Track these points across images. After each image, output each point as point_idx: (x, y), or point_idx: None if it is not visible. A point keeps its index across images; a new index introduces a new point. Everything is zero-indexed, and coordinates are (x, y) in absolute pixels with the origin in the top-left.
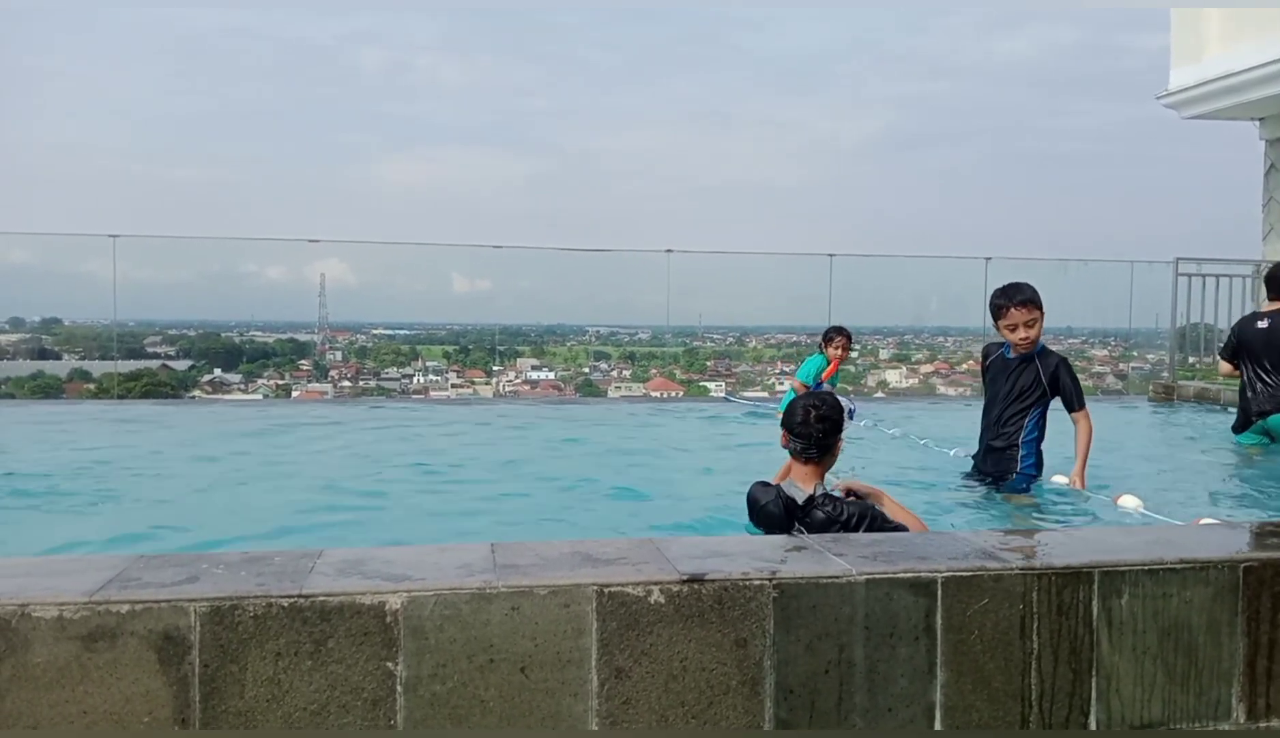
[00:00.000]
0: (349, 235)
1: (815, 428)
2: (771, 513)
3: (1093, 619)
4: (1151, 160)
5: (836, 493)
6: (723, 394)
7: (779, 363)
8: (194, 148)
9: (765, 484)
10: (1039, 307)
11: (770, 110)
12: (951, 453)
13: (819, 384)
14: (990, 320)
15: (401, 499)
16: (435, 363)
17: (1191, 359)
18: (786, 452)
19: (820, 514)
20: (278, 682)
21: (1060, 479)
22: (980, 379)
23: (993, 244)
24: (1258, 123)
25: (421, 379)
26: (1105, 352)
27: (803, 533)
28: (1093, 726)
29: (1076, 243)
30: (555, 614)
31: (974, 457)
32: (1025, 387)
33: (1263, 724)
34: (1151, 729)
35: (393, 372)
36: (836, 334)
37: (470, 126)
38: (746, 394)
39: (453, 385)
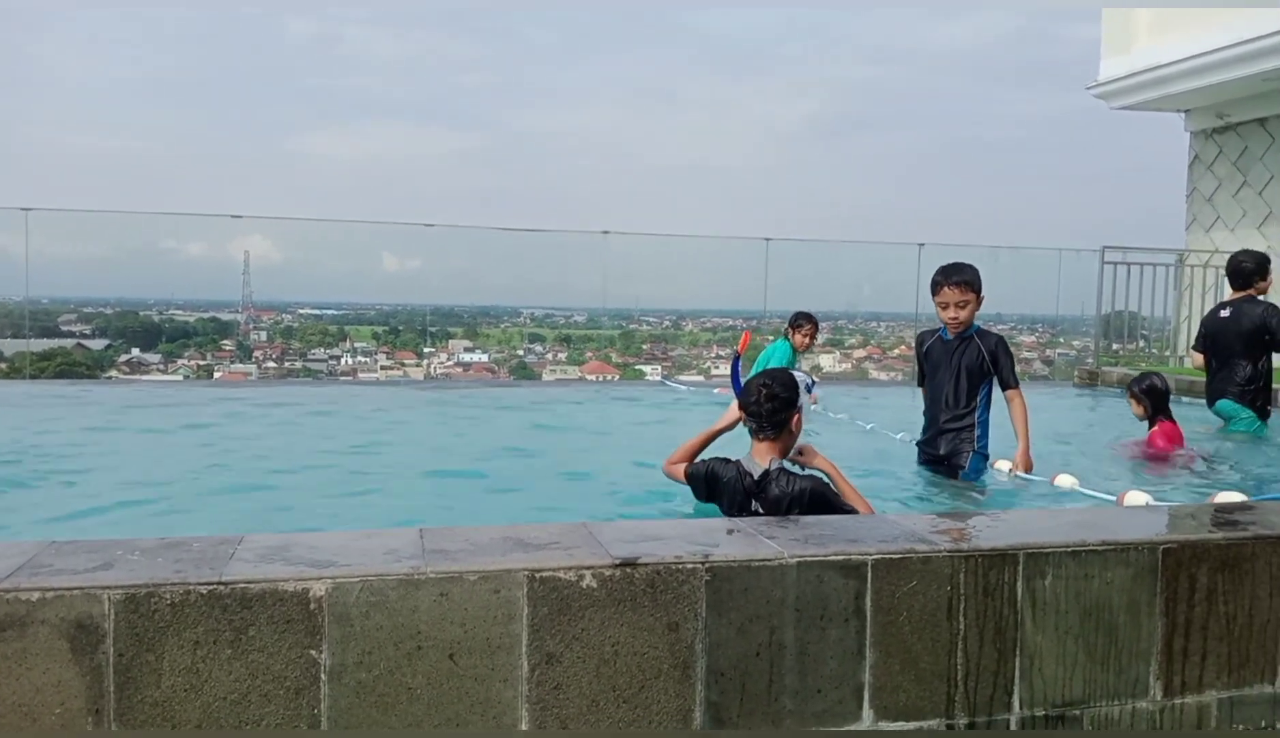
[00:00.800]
0: (275, 211)
1: (766, 406)
2: (734, 488)
3: (1017, 600)
4: (1082, 150)
5: (794, 468)
6: (659, 378)
7: (715, 347)
8: (113, 118)
9: (725, 460)
10: (974, 290)
11: (711, 91)
12: (899, 438)
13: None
14: (924, 307)
15: (329, 485)
16: (364, 344)
17: (1115, 346)
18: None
19: (775, 490)
20: (196, 671)
21: (1004, 464)
22: (916, 365)
23: (927, 230)
24: (1183, 115)
25: (350, 361)
26: (1033, 338)
27: (759, 509)
28: (1016, 705)
29: (1008, 230)
30: (485, 600)
31: (920, 443)
32: (971, 365)
33: (1178, 701)
34: (1072, 707)
35: (320, 353)
36: (805, 321)
37: (404, 101)
38: (682, 378)
39: (382, 367)
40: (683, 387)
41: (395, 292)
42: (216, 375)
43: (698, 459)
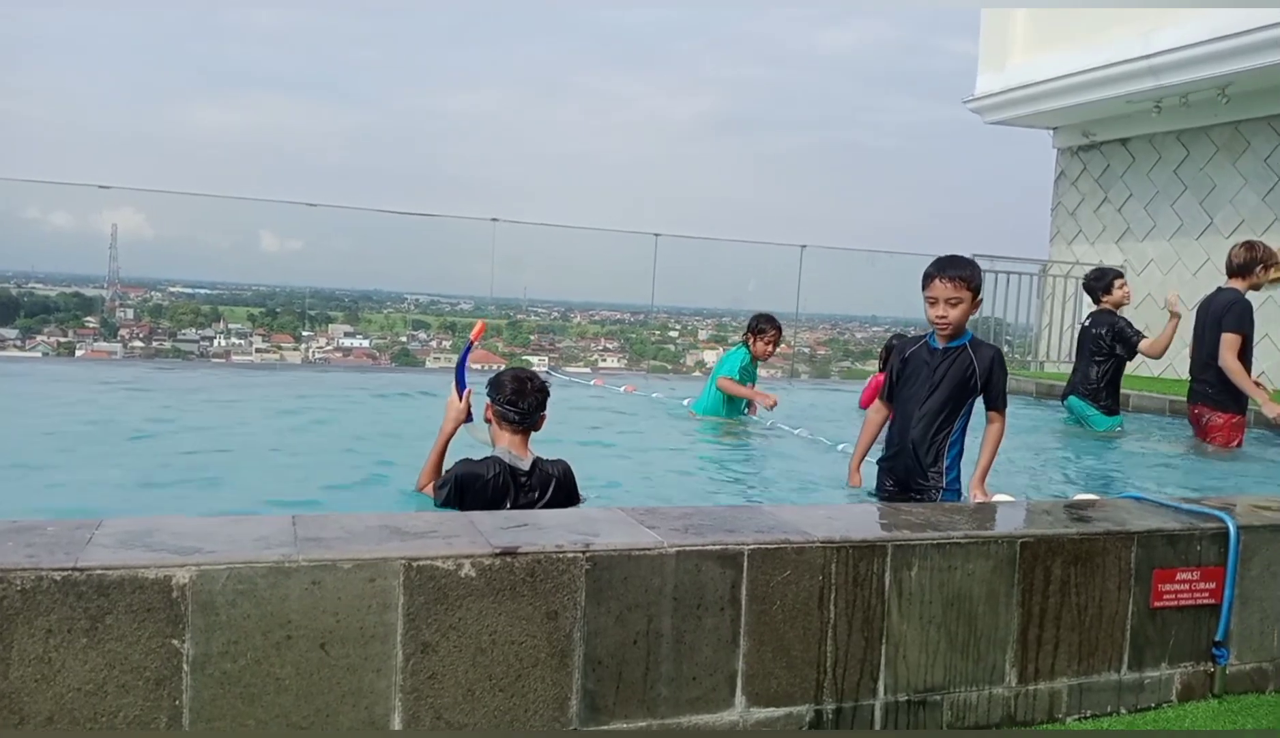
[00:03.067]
0: (146, 183)
1: (533, 399)
2: (501, 484)
3: (885, 590)
4: (957, 160)
5: (546, 457)
6: (545, 369)
7: (603, 339)
8: None
9: (476, 461)
10: (971, 288)
11: (605, 83)
12: (796, 432)
13: (746, 381)
14: (805, 306)
15: (198, 470)
16: (239, 325)
17: None
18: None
19: (545, 476)
20: (48, 661)
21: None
22: (888, 377)
23: (809, 231)
24: (1052, 132)
25: (223, 342)
26: None
27: (533, 499)
28: (881, 691)
29: (886, 234)
30: (360, 589)
31: (881, 466)
32: (959, 380)
33: (1032, 687)
34: (934, 692)
35: (191, 333)
36: (769, 326)
37: (288, 74)
38: (569, 369)
39: (258, 350)
40: (565, 378)
41: (274, 272)
42: (79, 353)
43: (444, 471)
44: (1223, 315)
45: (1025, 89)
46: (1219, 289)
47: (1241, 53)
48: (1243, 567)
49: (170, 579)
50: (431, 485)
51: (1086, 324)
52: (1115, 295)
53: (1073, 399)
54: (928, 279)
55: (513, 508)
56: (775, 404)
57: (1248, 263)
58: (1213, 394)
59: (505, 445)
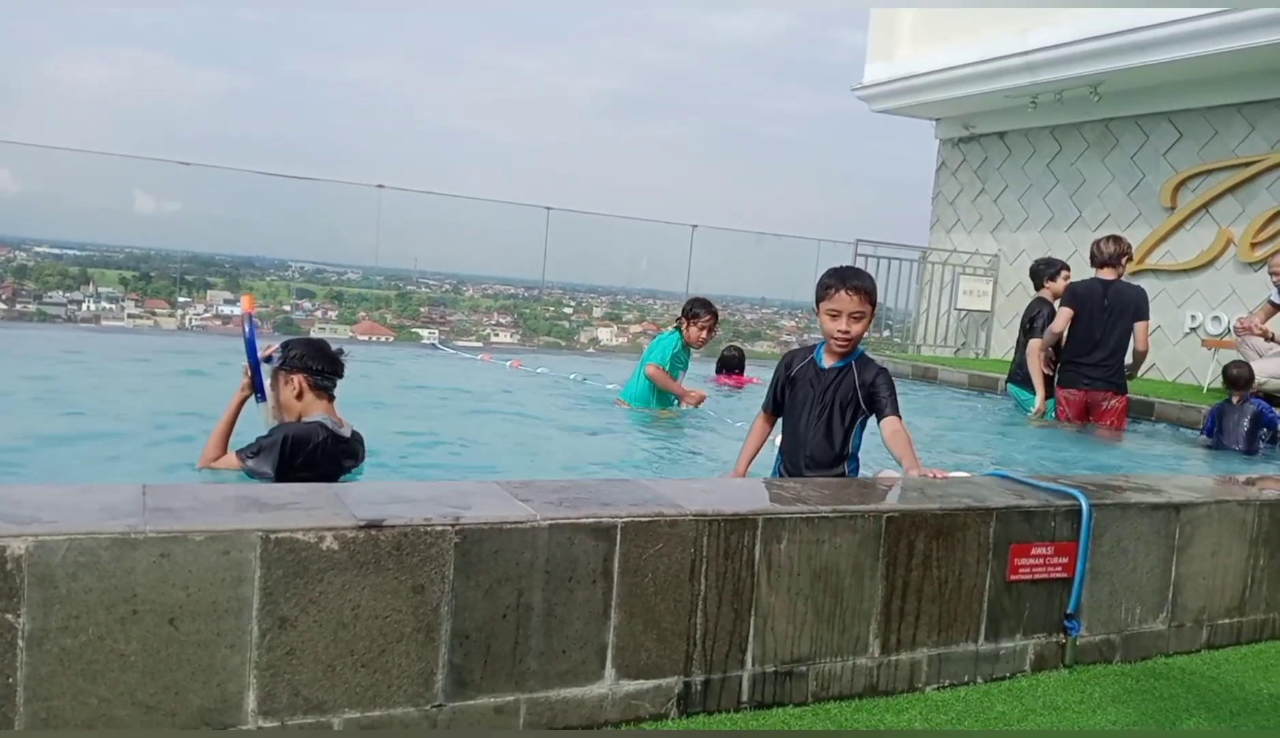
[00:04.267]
0: (10, 137)
1: (342, 367)
2: (328, 450)
3: (755, 563)
4: (844, 148)
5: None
6: (434, 341)
7: (495, 314)
8: None
9: (295, 424)
10: (873, 302)
11: (501, 58)
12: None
13: (677, 369)
14: (695, 286)
15: (56, 438)
16: (110, 289)
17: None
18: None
19: (355, 443)
20: None
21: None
22: (771, 387)
23: (701, 213)
24: (935, 122)
25: (93, 306)
26: (794, 322)
27: (344, 467)
28: (749, 662)
29: (773, 218)
30: (212, 562)
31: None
32: (844, 400)
33: (894, 658)
34: (800, 664)
35: (58, 295)
36: (704, 311)
37: (164, 29)
38: (459, 343)
39: (130, 315)
40: (453, 352)
41: (149, 235)
42: None
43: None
44: (1138, 305)
45: (910, 80)
46: (1109, 282)
47: (1111, 53)
48: (1094, 543)
49: (4, 550)
50: (224, 458)
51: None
52: (1057, 285)
53: (1010, 386)
54: (827, 290)
55: (331, 473)
56: (702, 401)
57: (1118, 255)
58: (1115, 379)
59: (323, 413)
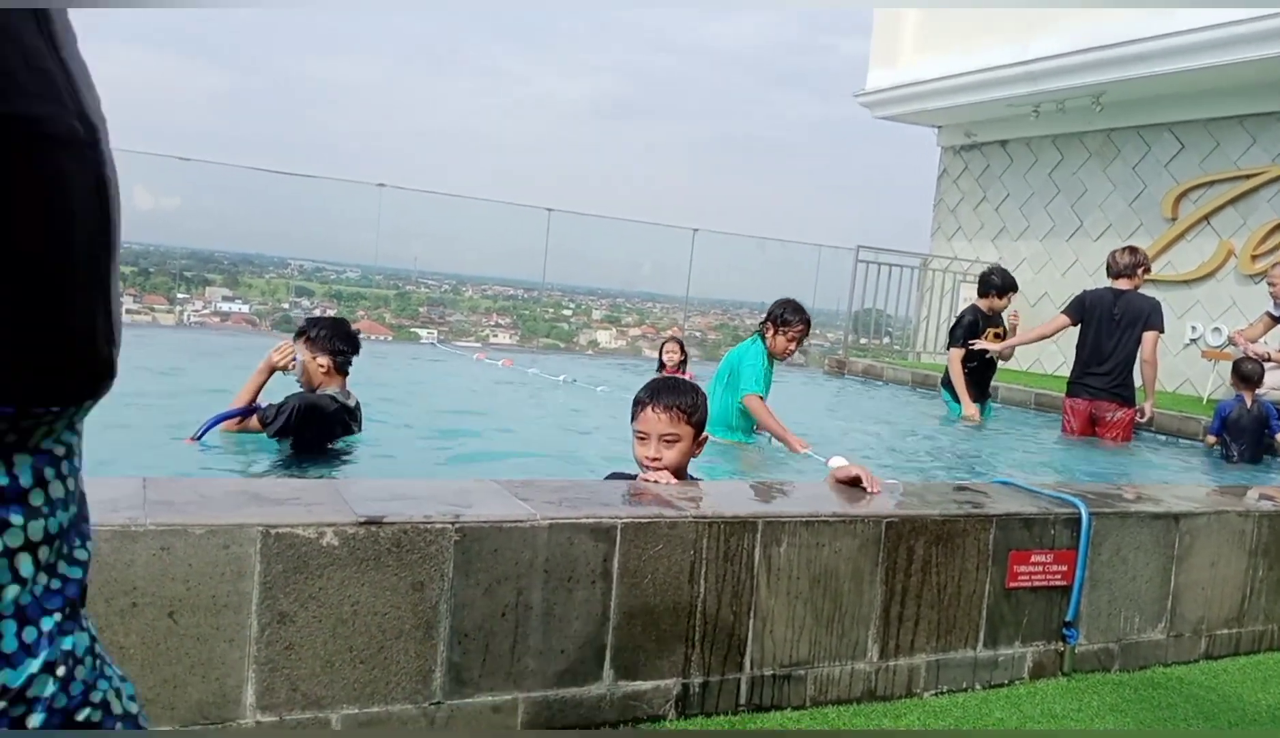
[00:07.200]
0: None
1: (360, 344)
2: (339, 419)
3: (754, 566)
4: (846, 155)
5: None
6: (433, 341)
7: (494, 315)
8: None
9: (314, 393)
10: (693, 424)
11: (496, 60)
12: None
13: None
14: (695, 290)
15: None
16: None
17: (864, 340)
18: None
19: (359, 414)
20: None
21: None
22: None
23: (701, 217)
24: (936, 130)
25: None
26: None
27: (350, 434)
28: (747, 665)
29: (774, 224)
30: (213, 556)
31: None
32: None
33: (892, 663)
34: (798, 667)
35: None
36: (796, 319)
37: (160, 26)
38: (459, 343)
39: (128, 311)
40: (455, 351)
41: (148, 230)
42: None
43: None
44: (1150, 315)
45: (913, 87)
46: (1122, 292)
47: (1113, 63)
48: (1093, 551)
49: None
50: (248, 420)
51: None
52: (997, 304)
53: (943, 391)
54: (638, 406)
55: (333, 438)
56: (808, 451)
57: (1133, 265)
58: (1122, 391)
59: (336, 388)
